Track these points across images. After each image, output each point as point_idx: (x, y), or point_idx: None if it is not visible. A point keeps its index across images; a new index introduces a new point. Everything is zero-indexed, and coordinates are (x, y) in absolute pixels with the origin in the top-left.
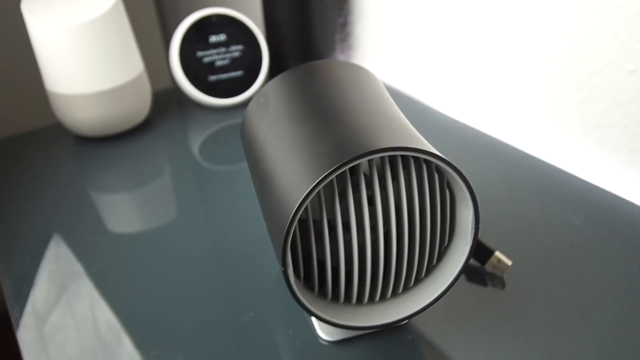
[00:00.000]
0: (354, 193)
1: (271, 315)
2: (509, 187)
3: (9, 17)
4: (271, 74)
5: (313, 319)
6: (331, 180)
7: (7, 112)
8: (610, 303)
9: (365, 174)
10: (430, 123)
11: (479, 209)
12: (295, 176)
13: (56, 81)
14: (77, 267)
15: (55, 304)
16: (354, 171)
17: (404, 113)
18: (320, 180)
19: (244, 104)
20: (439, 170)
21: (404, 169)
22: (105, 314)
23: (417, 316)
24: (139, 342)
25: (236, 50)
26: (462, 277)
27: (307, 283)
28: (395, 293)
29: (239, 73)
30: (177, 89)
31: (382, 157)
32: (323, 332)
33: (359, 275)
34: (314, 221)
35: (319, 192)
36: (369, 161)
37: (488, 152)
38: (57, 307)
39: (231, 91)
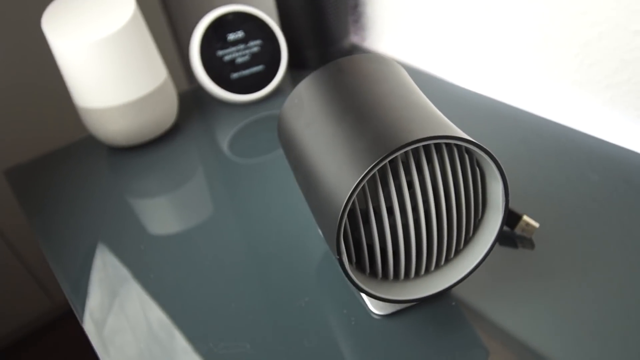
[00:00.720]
0: (393, 180)
1: (324, 298)
2: (529, 152)
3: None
4: (291, 65)
5: (364, 296)
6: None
7: (40, 130)
8: (634, 250)
9: (402, 160)
10: (448, 97)
11: (508, 182)
12: (340, 172)
13: (84, 96)
14: (132, 273)
15: (110, 308)
16: (391, 160)
17: (422, 90)
18: (364, 176)
19: (268, 97)
20: (468, 151)
21: (436, 153)
22: (171, 314)
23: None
24: (207, 337)
25: (255, 45)
26: None
27: (358, 265)
28: (437, 265)
29: (260, 67)
30: (196, 90)
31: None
32: (375, 307)
33: (405, 252)
34: (359, 209)
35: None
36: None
37: (508, 120)
38: (114, 311)
39: (254, 86)
